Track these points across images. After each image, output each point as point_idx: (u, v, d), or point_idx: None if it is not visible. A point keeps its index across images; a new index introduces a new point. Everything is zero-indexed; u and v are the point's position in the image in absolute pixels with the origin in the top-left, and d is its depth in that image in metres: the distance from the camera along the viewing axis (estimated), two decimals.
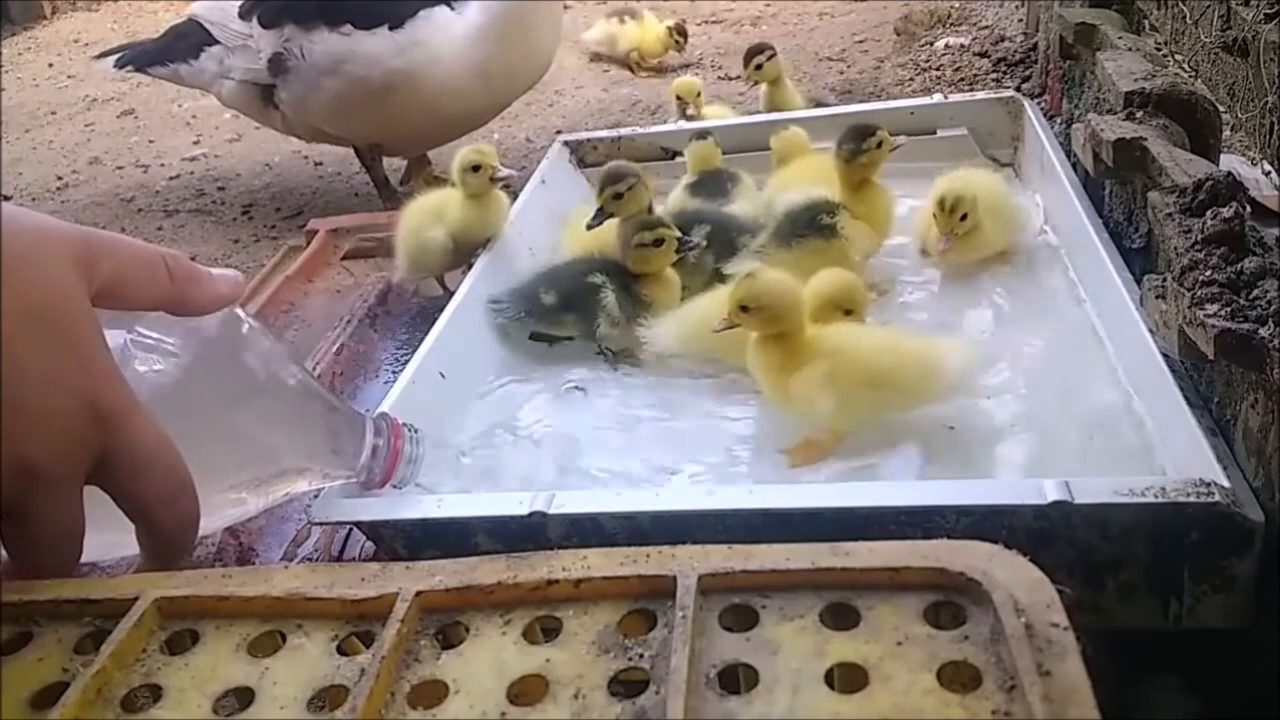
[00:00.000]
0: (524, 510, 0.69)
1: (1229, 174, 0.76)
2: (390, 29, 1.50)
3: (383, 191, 1.73)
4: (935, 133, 1.30)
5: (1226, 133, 0.99)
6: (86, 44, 3.41)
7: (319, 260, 1.36)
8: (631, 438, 0.91)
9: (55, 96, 2.86)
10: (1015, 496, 0.64)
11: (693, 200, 1.18)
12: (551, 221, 1.25)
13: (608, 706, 0.39)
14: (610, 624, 0.42)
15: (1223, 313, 0.64)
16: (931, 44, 2.09)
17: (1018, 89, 1.59)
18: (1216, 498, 0.60)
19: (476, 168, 1.12)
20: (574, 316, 1.02)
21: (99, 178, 2.17)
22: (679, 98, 1.52)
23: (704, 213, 1.12)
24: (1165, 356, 0.75)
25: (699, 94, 1.52)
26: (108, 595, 0.48)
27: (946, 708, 0.36)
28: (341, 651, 0.44)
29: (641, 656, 0.40)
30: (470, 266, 1.12)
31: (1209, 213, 0.73)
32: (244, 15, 1.62)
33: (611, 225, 1.06)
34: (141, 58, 1.82)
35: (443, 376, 0.94)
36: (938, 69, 1.96)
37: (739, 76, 1.56)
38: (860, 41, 2.35)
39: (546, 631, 0.43)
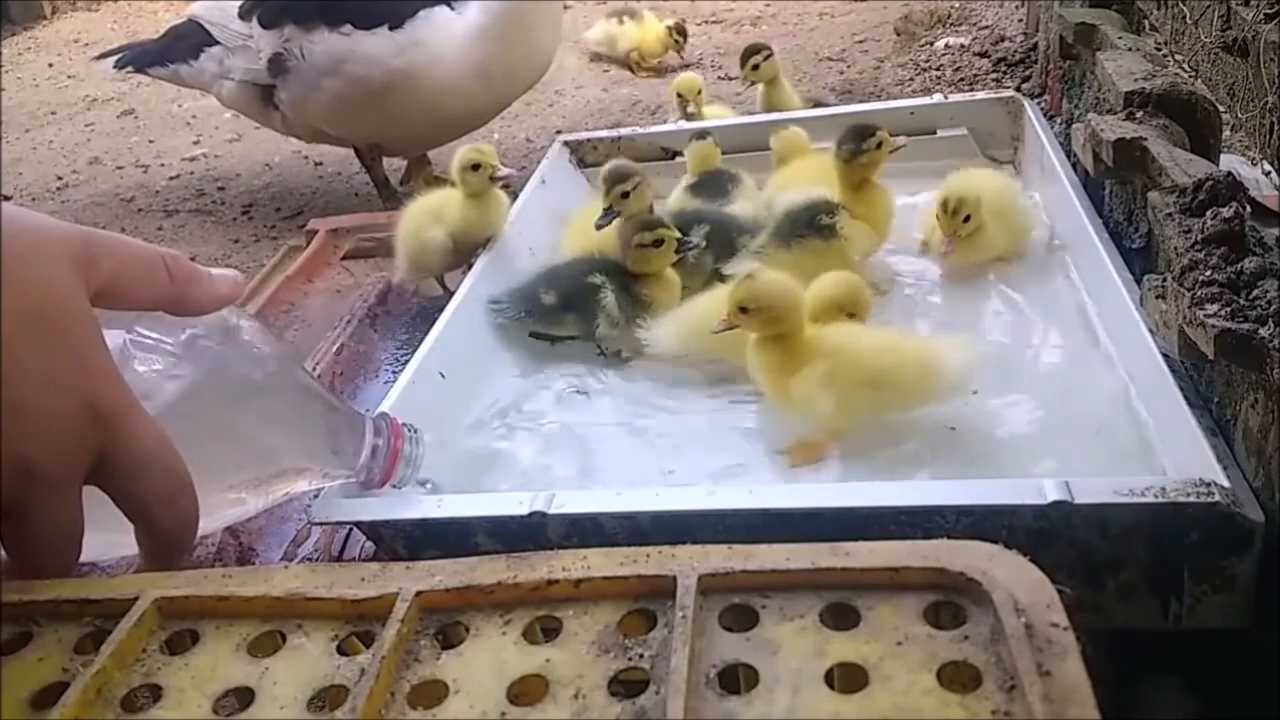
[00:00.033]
0: (524, 510, 0.69)
1: (1229, 174, 0.76)
2: (390, 29, 1.50)
3: (383, 191, 1.73)
4: (935, 133, 1.30)
5: (1226, 133, 0.99)
6: (86, 44, 3.41)
7: (319, 260, 1.36)
8: (631, 437, 0.91)
9: (55, 96, 2.86)
10: (1015, 496, 0.64)
11: (693, 201, 1.18)
12: (551, 221, 1.25)
13: (608, 706, 0.39)
14: (610, 624, 0.42)
15: (1223, 313, 0.64)
16: (931, 44, 2.09)
17: (1018, 89, 1.59)
18: (1216, 498, 0.60)
19: (476, 166, 1.12)
20: (574, 316, 1.03)
21: (99, 178, 2.17)
22: (680, 95, 1.52)
23: (703, 213, 1.12)
24: (1165, 356, 0.75)
25: (700, 91, 1.52)
26: (108, 595, 0.48)
27: (946, 708, 0.36)
28: (341, 651, 0.44)
29: (641, 656, 0.40)
30: (470, 266, 1.12)
31: (1209, 213, 0.73)
32: (244, 15, 1.62)
33: (610, 225, 1.06)
34: (141, 58, 1.82)
35: (443, 376, 0.94)
36: (938, 69, 1.96)
37: (738, 77, 1.56)
38: (860, 41, 2.35)
39: (546, 631, 0.43)
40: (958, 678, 0.37)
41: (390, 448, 0.71)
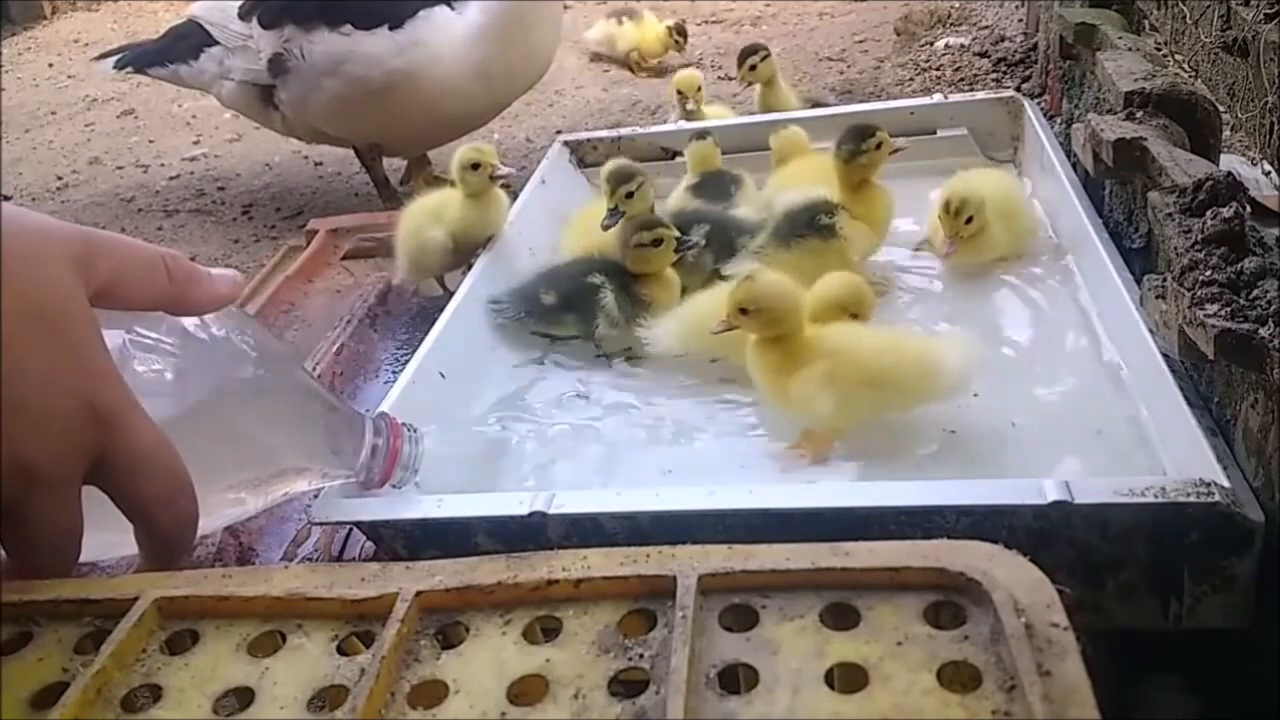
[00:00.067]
0: (524, 510, 0.69)
1: (1229, 174, 0.76)
2: (390, 29, 1.50)
3: (383, 191, 1.73)
4: (935, 133, 1.30)
5: (1226, 133, 0.99)
6: (86, 44, 3.41)
7: (319, 260, 1.36)
8: (632, 437, 0.91)
9: (55, 96, 2.86)
10: (1015, 496, 0.64)
11: (693, 201, 1.18)
12: (551, 221, 1.25)
13: (608, 706, 0.39)
14: (610, 624, 0.42)
15: (1223, 313, 0.64)
16: (931, 44, 2.09)
17: (1018, 89, 1.58)
18: (1216, 498, 0.60)
19: (476, 166, 1.12)
20: (574, 316, 1.03)
21: (99, 178, 2.17)
22: (680, 92, 1.52)
23: (703, 213, 1.12)
24: (1165, 356, 0.75)
25: (700, 88, 1.52)
26: (108, 595, 0.48)
27: (946, 708, 0.36)
28: (341, 651, 0.44)
29: (641, 656, 0.40)
30: (470, 266, 1.12)
31: (1209, 213, 0.73)
32: (244, 16, 1.62)
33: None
34: (141, 58, 1.82)
35: (443, 376, 0.94)
36: (938, 69, 1.95)
37: (737, 77, 1.56)
38: (860, 41, 2.35)
39: (546, 631, 0.43)
40: (958, 678, 0.37)
41: (390, 448, 0.71)
